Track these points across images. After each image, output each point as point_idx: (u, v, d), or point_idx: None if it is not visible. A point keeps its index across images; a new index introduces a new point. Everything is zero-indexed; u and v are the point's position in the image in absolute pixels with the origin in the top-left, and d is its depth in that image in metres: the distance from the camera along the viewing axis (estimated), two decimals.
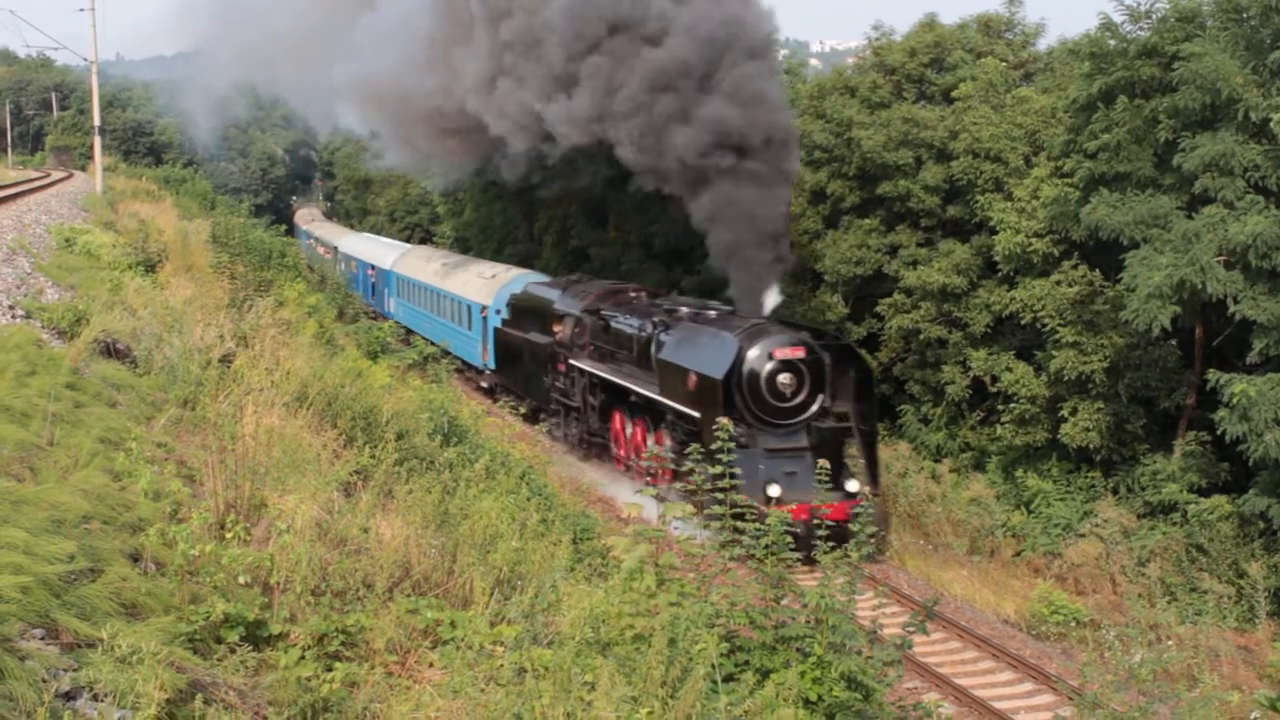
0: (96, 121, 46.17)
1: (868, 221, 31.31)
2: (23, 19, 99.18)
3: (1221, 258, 20.16)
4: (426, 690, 6.61)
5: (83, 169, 68.75)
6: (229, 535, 7.58)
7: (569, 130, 29.76)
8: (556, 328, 30.07)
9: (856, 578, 8.44)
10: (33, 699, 4.84)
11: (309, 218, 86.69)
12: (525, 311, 32.95)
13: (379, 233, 71.31)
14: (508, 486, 13.69)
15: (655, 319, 25.40)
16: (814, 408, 22.39)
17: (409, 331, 43.41)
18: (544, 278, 35.98)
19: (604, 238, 42.76)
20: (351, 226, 79.65)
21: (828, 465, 10.53)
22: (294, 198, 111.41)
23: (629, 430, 26.42)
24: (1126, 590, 21.08)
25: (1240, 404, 19.06)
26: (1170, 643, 17.51)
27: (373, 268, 52.95)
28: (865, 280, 31.44)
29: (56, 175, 58.90)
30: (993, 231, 27.30)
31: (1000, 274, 27.39)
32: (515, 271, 38.10)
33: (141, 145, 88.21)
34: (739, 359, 21.98)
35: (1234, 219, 20.09)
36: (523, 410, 31.86)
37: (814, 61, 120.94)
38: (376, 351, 27.65)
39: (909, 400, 30.42)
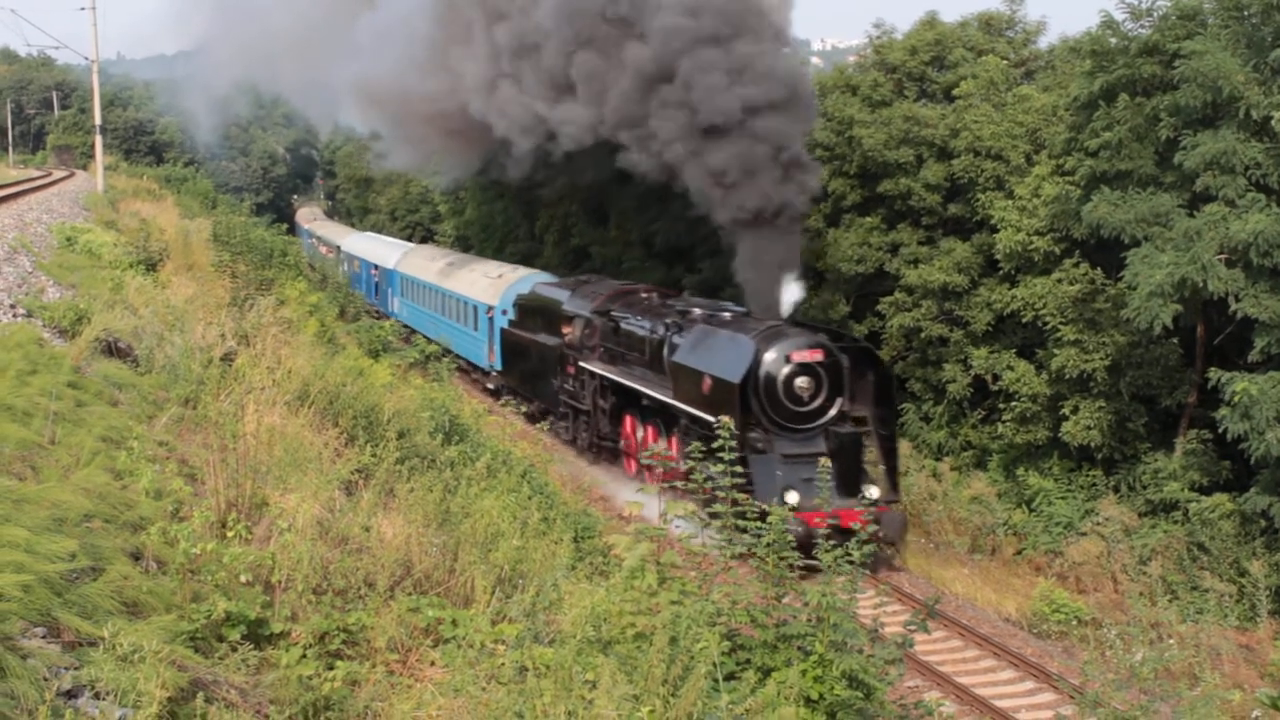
0: (98, 120, 46.20)
1: (869, 220, 31.29)
2: (24, 18, 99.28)
3: (1223, 256, 20.16)
4: (428, 689, 6.62)
5: (84, 168, 68.76)
6: (230, 534, 7.58)
7: (573, 130, 29.73)
8: (565, 329, 29.64)
9: (857, 576, 8.43)
10: (34, 697, 4.84)
11: (310, 216, 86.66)
12: (533, 312, 32.53)
13: (380, 231, 71.24)
14: (509, 485, 13.69)
15: (668, 320, 24.95)
16: (832, 412, 21.92)
17: (413, 332, 43.27)
18: (552, 278, 35.49)
19: (605, 236, 42.75)
20: (353, 225, 79.64)
21: (829, 464, 10.44)
22: (295, 196, 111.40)
23: (640, 434, 26.00)
24: (1128, 589, 21.08)
25: (1241, 402, 19.05)
26: (1171, 641, 17.51)
27: (376, 267, 52.57)
28: (866, 278, 31.43)
29: (58, 174, 58.92)
30: (994, 230, 27.29)
31: (1001, 272, 27.37)
32: (522, 271, 37.64)
33: (143, 144, 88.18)
34: (756, 362, 21.52)
35: (1235, 217, 20.09)
36: (524, 409, 31.95)
37: (815, 60, 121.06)
38: (378, 350, 27.65)
39: (910, 399, 30.40)
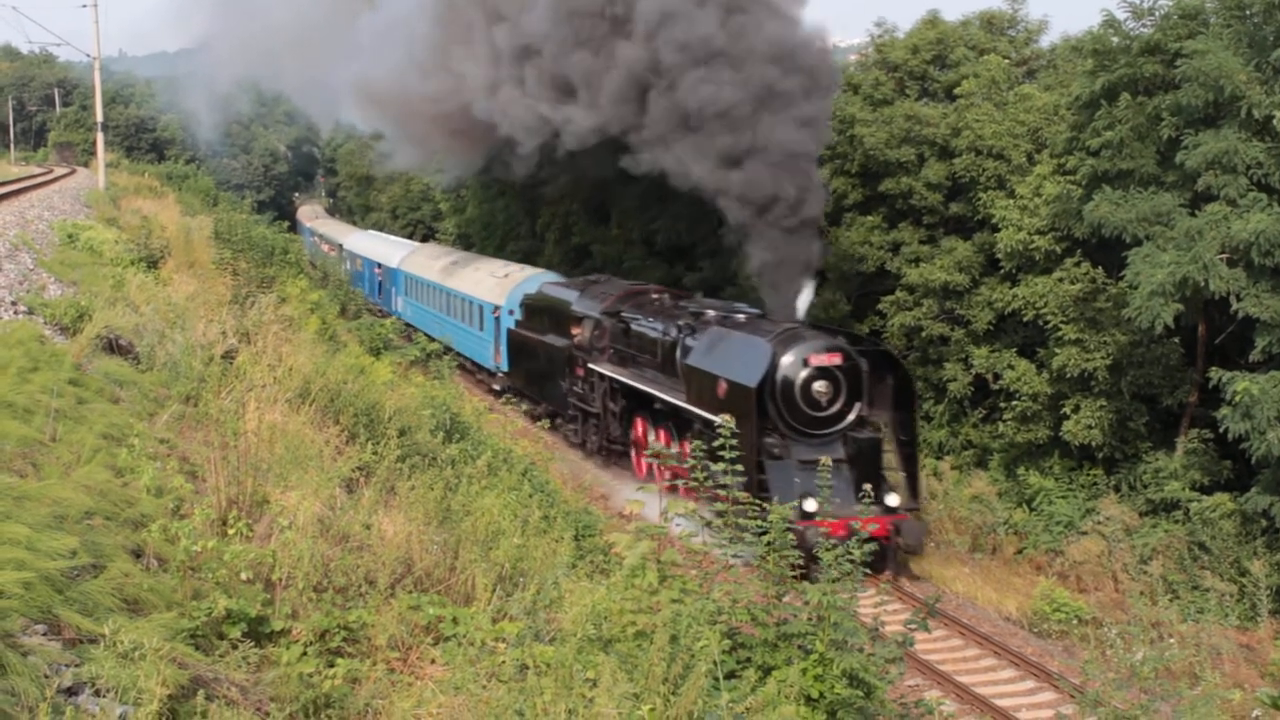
0: (99, 118, 46.22)
1: (870, 219, 31.28)
2: (25, 15, 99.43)
3: (1224, 255, 20.15)
4: (428, 687, 6.62)
5: (85, 165, 68.80)
6: (231, 531, 7.59)
7: (578, 130, 29.68)
8: (575, 330, 29.23)
9: (858, 575, 8.42)
10: (35, 694, 4.85)
11: (312, 214, 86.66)
12: (540, 312, 32.06)
13: (381, 229, 71.18)
14: (509, 483, 13.71)
15: (680, 322, 24.50)
16: (850, 417, 21.47)
17: (417, 332, 43.09)
18: (559, 278, 35.09)
19: (606, 235, 42.74)
20: (354, 223, 79.62)
21: (829, 462, 10.41)
22: (296, 194, 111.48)
23: (652, 438, 25.49)
24: (1128, 588, 21.07)
25: (1243, 402, 19.05)
26: (1172, 641, 17.49)
27: (379, 266, 52.20)
28: (867, 277, 31.43)
29: (59, 171, 58.92)
30: (995, 229, 27.28)
31: (1002, 271, 27.36)
32: (529, 271, 37.19)
33: (144, 142, 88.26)
34: (773, 366, 21.04)
35: (1237, 216, 20.08)
36: (525, 408, 31.89)
37: None
38: (379, 348, 27.67)
39: None
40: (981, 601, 21.30)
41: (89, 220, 26.52)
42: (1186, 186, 21.71)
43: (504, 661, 6.69)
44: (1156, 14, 23.51)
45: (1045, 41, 32.11)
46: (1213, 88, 20.61)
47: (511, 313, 34.55)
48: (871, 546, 8.82)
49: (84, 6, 42.97)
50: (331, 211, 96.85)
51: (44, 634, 5.57)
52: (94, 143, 53.18)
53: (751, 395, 20.43)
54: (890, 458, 21.90)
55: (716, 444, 9.45)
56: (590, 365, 28.10)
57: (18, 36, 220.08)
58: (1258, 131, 20.73)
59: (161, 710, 5.16)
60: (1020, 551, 24.07)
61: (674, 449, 23.52)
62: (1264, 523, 20.41)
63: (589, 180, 39.70)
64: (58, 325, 13.03)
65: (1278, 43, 20.47)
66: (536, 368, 32.04)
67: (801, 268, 23.18)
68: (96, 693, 5.18)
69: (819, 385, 21.23)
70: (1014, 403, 26.45)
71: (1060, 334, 24.94)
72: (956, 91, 29.93)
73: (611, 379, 26.93)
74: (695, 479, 9.47)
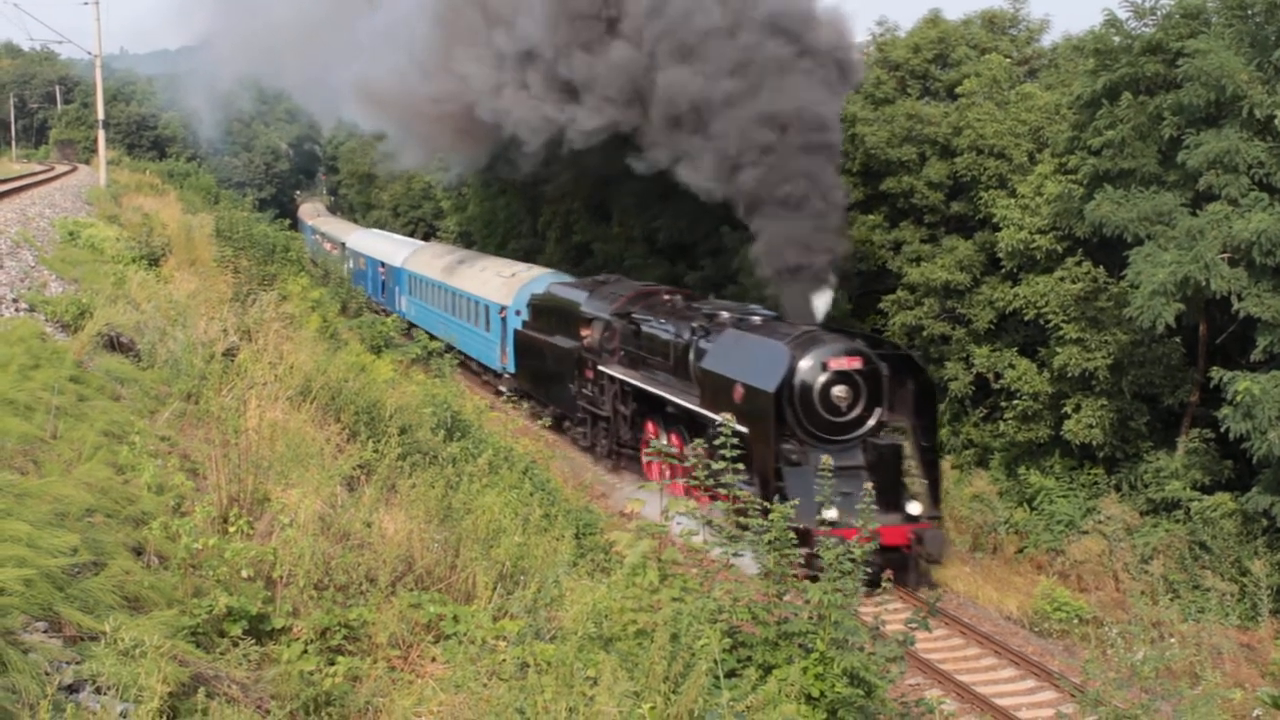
0: (100, 115, 46.22)
1: (871, 218, 31.28)
2: (27, 12, 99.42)
3: (1225, 255, 20.14)
4: (429, 684, 6.63)
5: (86, 163, 68.83)
6: (232, 529, 7.59)
7: (585, 128, 29.62)
8: (584, 331, 28.74)
9: (859, 574, 8.42)
10: (36, 692, 4.85)
11: (314, 212, 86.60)
12: (548, 313, 31.56)
13: (383, 227, 71.12)
14: (510, 481, 13.73)
15: (694, 324, 23.93)
16: (870, 422, 20.96)
17: (421, 332, 42.86)
18: (567, 277, 34.61)
19: (607, 233, 42.72)
20: (355, 221, 79.60)
21: (831, 461, 10.39)
22: (298, 192, 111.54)
23: (663, 441, 24.59)
24: (1129, 587, 21.07)
25: (1244, 401, 19.04)
26: (1173, 640, 17.48)
27: (383, 265, 51.70)
28: (869, 276, 31.42)
29: (60, 169, 58.98)
30: (996, 228, 27.27)
31: (1004, 270, 27.36)
32: (536, 270, 36.66)
33: (145, 139, 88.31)
34: (791, 370, 20.47)
35: (1238, 216, 20.07)
36: (524, 405, 31.81)
37: None
38: (380, 346, 27.67)
39: None
40: (982, 601, 21.30)
41: (90, 218, 26.52)
42: (1188, 186, 21.70)
43: (505, 660, 6.69)
44: (1158, 13, 23.50)
45: (1047, 41, 32.17)
46: (1214, 87, 20.61)
47: (518, 313, 34.06)
48: (873, 545, 8.81)
49: (85, 4, 43.01)
50: (333, 209, 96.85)
51: (45, 631, 5.57)
52: (95, 140, 53.22)
53: (770, 400, 19.91)
54: (911, 464, 21.27)
55: (718, 442, 9.45)
56: (600, 367, 27.64)
57: (19, 34, 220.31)
58: (1259, 131, 20.72)
59: (162, 707, 5.16)
60: (1021, 551, 24.07)
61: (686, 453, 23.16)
62: (1265, 522, 20.41)
63: (591, 178, 39.67)
64: (59, 322, 13.03)
65: (1279, 42, 20.46)
66: (544, 369, 31.58)
67: (820, 267, 22.59)
68: (97, 690, 5.18)
69: (838, 390, 20.72)
70: (1015, 402, 26.45)
71: (1061, 333, 24.94)
72: (958, 90, 29.92)
73: (622, 382, 26.47)
74: (697, 478, 9.47)
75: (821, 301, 22.68)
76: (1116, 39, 23.84)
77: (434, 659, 7.21)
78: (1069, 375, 24.60)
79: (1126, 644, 10.63)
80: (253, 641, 6.49)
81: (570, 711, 5.82)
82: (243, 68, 64.42)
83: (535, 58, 30.78)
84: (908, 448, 21.28)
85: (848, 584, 8.22)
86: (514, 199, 50.18)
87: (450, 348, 33.00)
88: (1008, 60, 30.38)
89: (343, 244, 60.99)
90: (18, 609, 5.39)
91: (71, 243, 21.13)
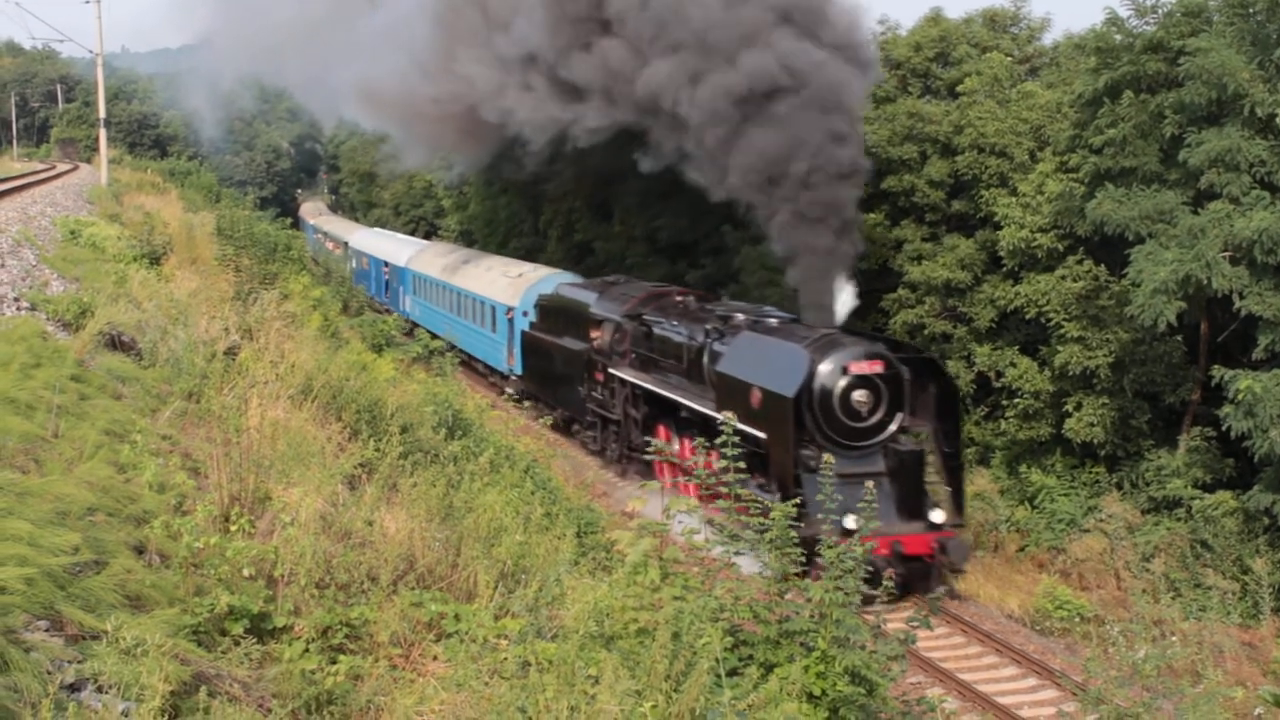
0: (102, 114, 46.21)
1: (872, 216, 31.26)
2: (28, 10, 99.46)
3: (1227, 253, 20.14)
4: (430, 683, 6.63)
5: (88, 161, 68.83)
6: (233, 528, 7.59)
7: (591, 126, 29.56)
8: (594, 333, 28.31)
9: (859, 573, 8.42)
10: (37, 690, 4.85)
11: (315, 211, 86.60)
12: (557, 314, 31.10)
13: (384, 226, 71.08)
14: (512, 480, 13.72)
15: (708, 327, 23.41)
16: (892, 428, 20.37)
17: (425, 331, 42.67)
18: (575, 278, 34.11)
19: (609, 231, 42.71)
20: (357, 219, 79.58)
21: (832, 459, 10.35)
22: (299, 190, 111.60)
23: (676, 446, 24.39)
24: (1131, 586, 21.07)
25: (1245, 400, 19.04)
26: (1174, 638, 17.46)
27: (387, 265, 51.36)
28: (870, 275, 31.38)
29: (62, 168, 58.95)
30: (997, 226, 27.28)
31: (1005, 269, 27.36)
32: (543, 271, 36.27)
33: (147, 138, 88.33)
34: (810, 374, 19.86)
35: (1240, 214, 20.07)
36: (526, 405, 31.74)
37: None
38: (381, 345, 27.66)
39: None
40: (984, 599, 21.29)
41: (91, 216, 26.51)
42: (1189, 184, 21.70)
43: (506, 658, 6.68)
44: (1159, 11, 23.52)
45: (1048, 39, 32.20)
46: (1216, 86, 20.60)
47: (526, 314, 33.67)
48: (874, 543, 8.81)
49: (86, 2, 42.96)
50: (334, 208, 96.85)
51: (46, 630, 5.57)
52: (96, 139, 53.26)
53: (789, 405, 19.38)
54: (933, 471, 20.79)
55: (719, 440, 9.44)
56: (611, 370, 27.18)
57: (20, 32, 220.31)
58: (1260, 129, 20.72)
59: (164, 706, 5.16)
60: (1022, 549, 24.07)
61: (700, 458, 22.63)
62: (1266, 520, 20.42)
63: (593, 177, 39.64)
64: (60, 321, 13.03)
65: None
66: (553, 371, 31.14)
67: (839, 267, 22.02)
68: (99, 689, 5.18)
69: (859, 395, 20.11)
70: (1016, 400, 26.45)
71: (1062, 332, 24.94)
72: (959, 89, 29.93)
73: (634, 385, 26.04)
74: (694, 474, 9.46)
75: (843, 302, 22.10)
76: (1118, 37, 23.85)
77: (435, 658, 7.21)
78: (1070, 374, 24.60)
79: (1128, 642, 10.62)
80: (254, 640, 6.49)
81: (572, 710, 5.82)
82: (244, 66, 64.54)
83: (537, 60, 30.76)
84: (930, 454, 20.84)
85: (848, 582, 8.22)
86: (515, 198, 50.16)
87: (452, 346, 32.89)
88: (1009, 59, 30.39)
89: (345, 243, 60.77)
90: (19, 608, 5.39)
91: (73, 241, 21.13)
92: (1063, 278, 25.46)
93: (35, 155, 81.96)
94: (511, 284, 35.82)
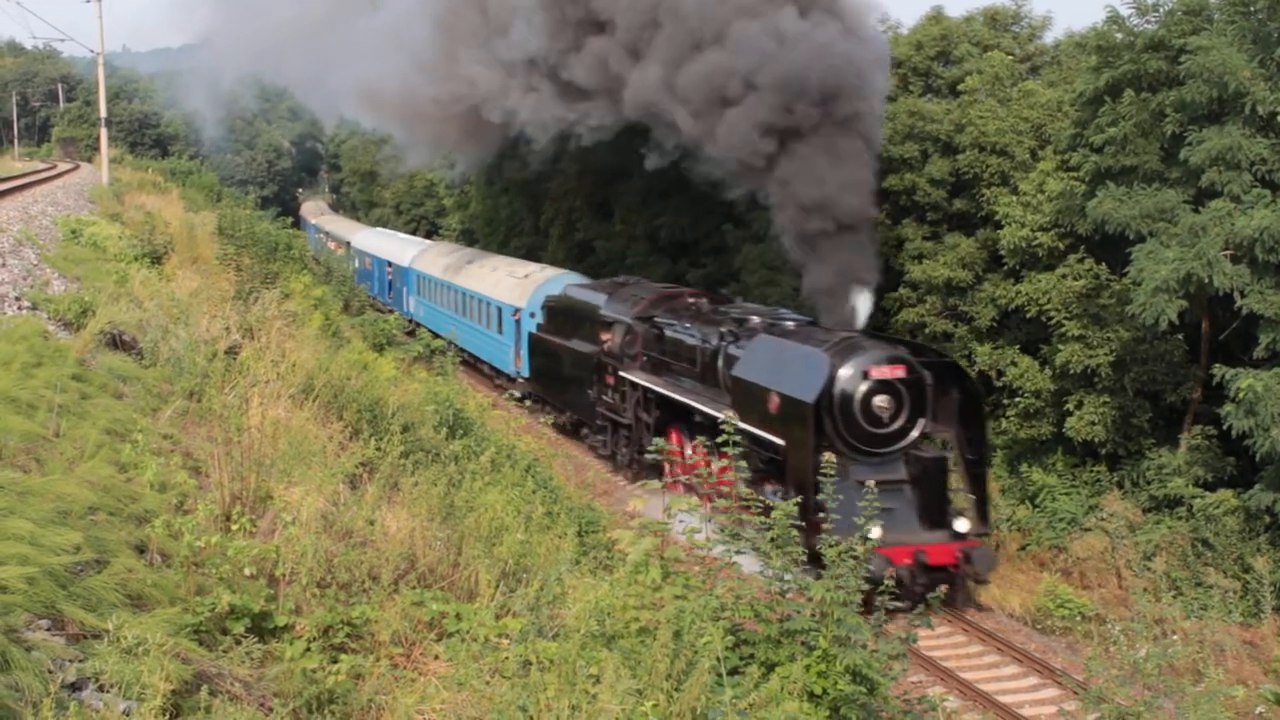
0: (103, 113, 46.23)
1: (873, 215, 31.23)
2: (29, 10, 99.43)
3: (1228, 252, 20.13)
4: (432, 682, 6.63)
5: (89, 161, 68.86)
6: (235, 527, 7.58)
7: (596, 124, 29.51)
8: (604, 335, 27.88)
9: (860, 572, 8.41)
10: (39, 689, 4.85)
11: (316, 210, 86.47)
12: (565, 316, 30.67)
13: (386, 225, 70.99)
14: (513, 479, 13.71)
15: (722, 330, 22.92)
16: (914, 434, 19.79)
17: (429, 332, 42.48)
18: (583, 279, 33.75)
19: (610, 230, 42.69)
20: (358, 219, 79.53)
21: (833, 459, 10.31)
22: (300, 190, 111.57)
23: (688, 451, 23.82)
24: (1132, 584, 21.07)
25: (1246, 398, 19.04)
26: (1176, 637, 17.44)
27: (390, 264, 50.92)
28: None
29: (63, 167, 58.97)
30: (998, 225, 27.28)
31: (1006, 268, 27.37)
32: (550, 271, 35.79)
33: (148, 137, 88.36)
34: (830, 379, 19.31)
35: (1241, 213, 20.06)
36: (528, 405, 31.71)
37: None
38: (382, 344, 27.65)
39: None
40: (985, 598, 21.28)
41: (92, 216, 26.51)
42: (1190, 183, 21.70)
43: (507, 657, 6.69)
44: (1161, 10, 23.51)
45: (1049, 38, 32.18)
46: (1217, 84, 20.60)
47: (533, 315, 33.25)
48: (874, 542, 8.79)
49: (87, 2, 42.97)
50: (335, 207, 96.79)
51: (48, 629, 5.57)
52: (97, 138, 53.25)
53: (809, 411, 18.82)
54: (957, 478, 20.27)
55: (720, 440, 9.43)
56: (622, 373, 26.68)
57: (21, 32, 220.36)
58: (1262, 128, 20.72)
59: (165, 705, 5.16)
60: (1023, 548, 24.08)
61: (714, 464, 21.49)
62: (1267, 519, 20.42)
63: (594, 175, 39.61)
64: (61, 321, 13.03)
65: None
66: (561, 374, 30.70)
67: (859, 270, 21.52)
68: (100, 688, 5.18)
69: (880, 400, 19.49)
70: (1017, 399, 26.45)
71: (1063, 330, 24.94)
72: (960, 88, 29.93)
73: (645, 388, 25.53)
74: (697, 475, 9.46)
75: (863, 305, 21.53)
76: (1119, 36, 23.85)
77: (437, 657, 7.21)
78: (1071, 372, 24.60)
79: (1129, 641, 10.60)
80: (255, 639, 6.49)
81: (573, 709, 5.82)
82: (244, 66, 64.45)
83: (538, 63, 30.74)
84: (953, 461, 20.36)
85: (849, 581, 8.22)
86: (516, 197, 50.14)
87: (453, 345, 32.77)
88: (1010, 57, 30.37)
89: (348, 243, 60.50)
90: (21, 607, 5.39)
91: (74, 241, 21.14)
92: (1064, 276, 25.46)
93: (36, 155, 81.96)
94: (518, 285, 35.40)
